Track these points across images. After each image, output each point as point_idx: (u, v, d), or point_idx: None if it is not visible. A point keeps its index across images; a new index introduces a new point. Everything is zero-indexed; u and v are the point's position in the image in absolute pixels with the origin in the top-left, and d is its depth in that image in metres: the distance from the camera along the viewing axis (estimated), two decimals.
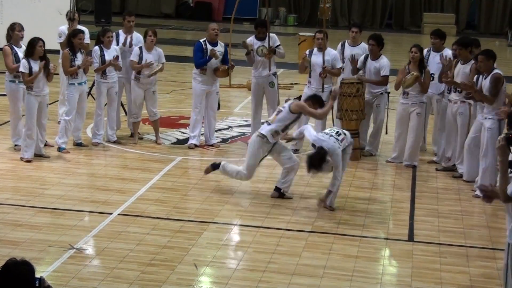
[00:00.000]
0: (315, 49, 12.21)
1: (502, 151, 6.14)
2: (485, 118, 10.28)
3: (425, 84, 11.43)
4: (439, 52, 11.97)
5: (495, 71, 10.31)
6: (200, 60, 12.18)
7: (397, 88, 11.69)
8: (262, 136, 9.96)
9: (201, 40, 12.37)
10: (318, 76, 12.03)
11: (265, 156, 10.17)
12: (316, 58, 12.07)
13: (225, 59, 12.35)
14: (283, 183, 10.10)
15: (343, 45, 12.74)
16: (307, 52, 12.35)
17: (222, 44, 12.39)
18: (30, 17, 13.41)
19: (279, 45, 12.56)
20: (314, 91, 11.80)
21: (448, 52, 11.89)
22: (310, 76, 12.19)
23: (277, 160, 10.31)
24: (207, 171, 10.41)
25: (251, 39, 12.57)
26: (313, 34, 12.80)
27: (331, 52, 12.17)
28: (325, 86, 12.01)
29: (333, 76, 12.37)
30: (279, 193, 10.09)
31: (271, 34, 12.56)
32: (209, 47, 12.16)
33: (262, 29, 12.49)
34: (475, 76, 10.57)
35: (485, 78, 10.31)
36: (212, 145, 12.40)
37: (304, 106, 9.98)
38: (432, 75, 11.71)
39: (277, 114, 10.09)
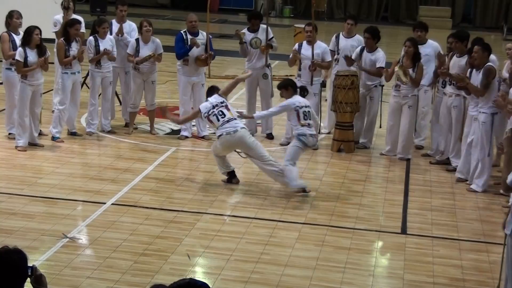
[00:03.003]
0: (305, 43, 12.14)
1: (508, 142, 6.27)
2: (479, 112, 10.28)
3: (417, 78, 11.41)
4: (423, 44, 11.98)
5: (488, 63, 10.30)
6: (181, 50, 12.16)
7: (387, 79, 11.74)
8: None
9: (182, 31, 12.35)
10: (307, 69, 12.00)
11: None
12: (306, 52, 12.03)
13: (209, 48, 12.29)
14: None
15: (337, 37, 12.72)
16: (297, 45, 12.27)
17: (204, 33, 12.30)
18: (25, 6, 13.35)
19: (272, 37, 12.55)
20: (304, 84, 11.87)
21: (433, 44, 11.95)
22: (299, 69, 12.16)
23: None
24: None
25: (244, 31, 12.56)
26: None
27: (321, 45, 12.13)
28: (314, 79, 12.00)
29: (323, 69, 12.39)
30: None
31: (264, 26, 12.53)
32: (190, 37, 12.12)
33: (255, 21, 12.48)
34: (468, 70, 10.57)
35: (478, 73, 10.29)
36: (203, 137, 12.37)
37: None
38: None
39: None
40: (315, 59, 11.89)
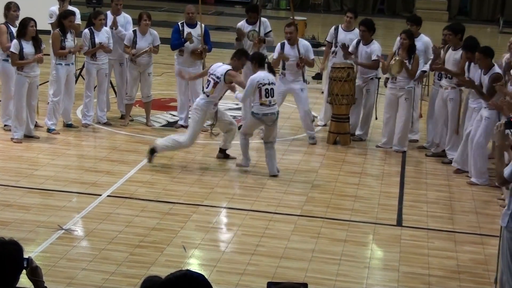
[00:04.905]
0: (286, 42, 11.91)
1: (500, 136, 6.28)
2: (484, 107, 10.25)
3: (413, 70, 11.40)
4: (415, 38, 11.94)
5: (496, 70, 10.24)
6: (175, 41, 12.15)
7: (384, 71, 11.72)
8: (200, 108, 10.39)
9: (179, 22, 12.33)
10: (294, 68, 11.81)
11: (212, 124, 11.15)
12: (290, 51, 11.81)
13: (205, 41, 12.23)
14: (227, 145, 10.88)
15: (336, 29, 12.68)
16: (279, 46, 11.97)
17: (203, 25, 12.28)
18: None
19: (270, 31, 12.47)
20: (289, 82, 11.82)
21: (424, 39, 11.92)
22: (284, 69, 11.94)
23: (218, 126, 10.94)
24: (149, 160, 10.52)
25: (242, 23, 12.51)
26: (305, 18, 12.71)
27: (304, 44, 11.96)
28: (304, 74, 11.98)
29: (308, 66, 12.28)
30: (224, 154, 10.89)
31: (263, 19, 12.48)
32: (186, 29, 12.10)
33: (253, 14, 12.43)
34: (466, 64, 10.58)
35: (484, 74, 10.25)
36: None
37: (236, 75, 10.32)
38: None
39: (214, 87, 10.28)
40: (302, 54, 11.78)
